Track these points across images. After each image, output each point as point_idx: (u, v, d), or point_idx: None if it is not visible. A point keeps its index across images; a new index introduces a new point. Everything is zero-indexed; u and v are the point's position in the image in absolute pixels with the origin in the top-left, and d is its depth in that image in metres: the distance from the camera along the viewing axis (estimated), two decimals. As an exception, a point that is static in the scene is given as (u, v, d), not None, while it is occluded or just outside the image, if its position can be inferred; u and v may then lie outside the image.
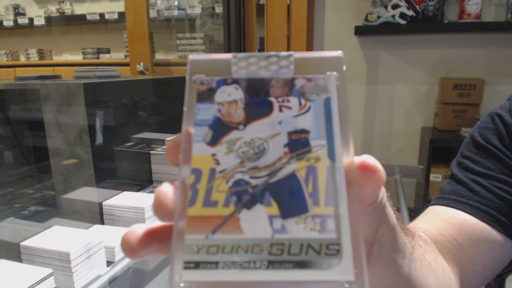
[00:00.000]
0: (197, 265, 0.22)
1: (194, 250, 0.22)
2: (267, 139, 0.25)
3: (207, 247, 0.22)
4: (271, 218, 0.23)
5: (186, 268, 0.22)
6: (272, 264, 0.21)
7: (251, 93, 0.27)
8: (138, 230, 0.25)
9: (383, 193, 0.30)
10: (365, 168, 0.25)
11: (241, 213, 0.23)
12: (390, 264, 0.38)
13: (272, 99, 0.26)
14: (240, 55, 0.27)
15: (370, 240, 0.32)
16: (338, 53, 0.27)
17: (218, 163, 0.24)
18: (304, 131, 0.25)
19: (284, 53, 0.27)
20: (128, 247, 0.24)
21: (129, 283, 0.89)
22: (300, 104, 0.26)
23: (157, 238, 0.24)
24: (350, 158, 0.25)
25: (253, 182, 0.24)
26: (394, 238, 0.37)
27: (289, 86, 0.27)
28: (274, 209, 0.23)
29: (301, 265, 0.21)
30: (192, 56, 0.28)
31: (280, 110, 0.26)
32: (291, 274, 0.21)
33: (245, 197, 0.23)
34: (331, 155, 0.24)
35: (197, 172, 0.24)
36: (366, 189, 0.26)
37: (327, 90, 0.26)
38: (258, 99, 0.26)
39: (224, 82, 0.27)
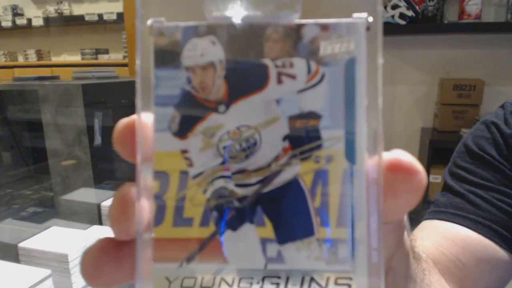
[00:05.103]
0: None
1: (166, 284, 0.17)
2: (259, 128, 0.18)
3: (182, 280, 0.17)
4: (264, 242, 0.18)
5: None
6: None
7: (235, 51, 0.18)
8: (98, 244, 0.19)
9: None
10: (397, 170, 0.18)
11: (224, 235, 0.18)
12: None
13: (267, 61, 0.18)
14: None
15: (385, 268, 0.27)
16: None
17: (191, 164, 0.18)
18: (313, 116, 0.18)
19: None
20: (88, 269, 0.19)
21: (127, 284, 0.89)
22: (309, 70, 0.18)
23: (112, 261, 0.19)
24: (377, 155, 0.17)
25: (240, 192, 0.18)
26: (408, 264, 0.31)
27: (294, 38, 0.18)
28: (268, 230, 0.18)
29: None
30: None
31: (279, 81, 0.18)
32: None
33: (229, 213, 0.18)
34: (350, 154, 0.17)
35: (162, 177, 0.18)
36: (397, 200, 0.18)
37: (351, 46, 0.18)
38: (246, 61, 0.18)
39: (195, 32, 0.18)
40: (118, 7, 3.32)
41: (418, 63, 2.43)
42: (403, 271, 0.30)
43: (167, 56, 0.18)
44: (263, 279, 0.17)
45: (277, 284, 0.17)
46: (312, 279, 0.17)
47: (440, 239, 0.56)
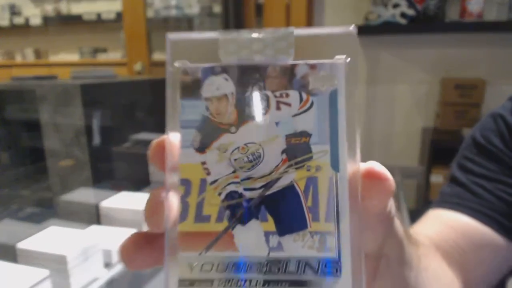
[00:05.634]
0: (191, 283, 0.21)
1: (189, 268, 0.22)
2: (263, 144, 0.23)
3: (201, 265, 0.22)
4: (267, 234, 0.22)
5: (181, 285, 0.22)
6: (268, 283, 0.21)
7: (243, 86, 0.23)
8: (132, 237, 0.24)
9: (391, 204, 0.28)
10: (371, 177, 0.23)
11: (235, 229, 0.22)
12: (397, 278, 0.37)
13: (268, 93, 0.23)
14: (229, 34, 0.23)
15: (377, 255, 0.31)
16: (349, 29, 0.23)
17: (208, 173, 0.23)
18: (304, 134, 0.23)
19: (281, 31, 0.23)
20: (125, 256, 0.24)
21: (127, 285, 0.89)
22: (301, 99, 0.23)
23: (143, 250, 0.24)
24: (355, 165, 0.22)
25: (248, 194, 0.22)
26: (402, 251, 0.35)
27: (289, 75, 0.23)
28: (270, 225, 0.22)
29: (298, 284, 0.21)
30: (172, 36, 0.24)
31: (278, 108, 0.23)
32: None
33: (239, 211, 0.22)
34: (334, 164, 0.22)
35: (186, 183, 0.23)
36: (372, 200, 0.24)
37: (334, 80, 0.23)
38: (252, 93, 0.23)
39: (212, 71, 0.23)
40: (117, 6, 3.30)
41: (419, 62, 2.42)
42: (396, 256, 0.34)
43: (190, 90, 0.23)
44: (266, 264, 0.21)
45: (278, 268, 0.21)
46: (306, 264, 0.21)
47: (441, 227, 0.60)
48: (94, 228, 0.94)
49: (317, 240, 0.21)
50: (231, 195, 0.22)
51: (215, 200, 0.22)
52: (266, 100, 0.23)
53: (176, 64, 0.24)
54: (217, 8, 2.95)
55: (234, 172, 0.23)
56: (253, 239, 0.22)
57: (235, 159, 0.23)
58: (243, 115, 0.23)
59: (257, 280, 0.21)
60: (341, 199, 0.22)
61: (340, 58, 0.23)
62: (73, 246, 0.78)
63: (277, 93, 0.23)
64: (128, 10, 2.65)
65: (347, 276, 0.21)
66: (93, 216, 1.02)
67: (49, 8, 3.77)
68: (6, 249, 0.81)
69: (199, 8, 3.05)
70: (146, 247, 0.24)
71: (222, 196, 0.22)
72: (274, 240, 0.22)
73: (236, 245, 0.22)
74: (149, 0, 2.98)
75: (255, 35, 0.23)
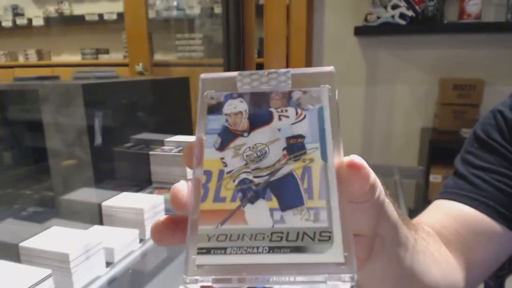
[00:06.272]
0: (208, 250, 0.26)
1: (206, 238, 0.26)
2: (268, 144, 0.29)
3: (217, 236, 0.26)
4: (271, 210, 0.27)
5: (199, 253, 0.25)
6: (272, 250, 0.25)
7: (254, 105, 0.31)
8: (163, 219, 0.29)
9: (380, 190, 0.32)
10: (352, 166, 0.28)
11: (245, 207, 0.27)
12: (392, 258, 0.41)
13: (272, 109, 0.31)
14: (244, 73, 0.32)
15: (371, 235, 0.34)
16: (330, 68, 0.32)
17: (226, 165, 0.29)
18: (300, 136, 0.29)
19: (282, 70, 0.32)
20: (154, 234, 0.29)
21: (128, 284, 0.89)
22: (296, 113, 0.30)
23: (170, 231, 0.29)
24: (340, 158, 0.28)
25: (256, 180, 0.28)
26: (396, 232, 0.39)
27: (287, 98, 0.31)
28: (274, 203, 0.27)
29: (298, 250, 0.25)
30: (203, 75, 0.33)
31: (279, 119, 0.30)
32: (289, 258, 0.25)
33: (249, 193, 0.27)
34: (324, 156, 0.28)
35: (208, 173, 0.29)
36: (354, 185, 0.29)
37: (320, 100, 0.31)
38: (260, 110, 0.31)
39: (231, 96, 0.32)
40: (119, 7, 3.30)
41: (418, 63, 2.43)
42: (391, 238, 0.39)
43: (215, 109, 0.31)
44: (271, 235, 0.26)
45: (281, 237, 0.25)
46: (304, 233, 0.25)
47: (443, 216, 0.65)
48: (96, 228, 0.94)
49: (312, 214, 0.26)
50: (243, 181, 0.28)
51: (230, 185, 0.28)
52: (271, 114, 0.31)
53: (205, 93, 0.32)
54: (218, 9, 2.95)
55: (246, 164, 0.28)
56: (260, 214, 0.26)
57: (247, 155, 0.29)
58: (253, 125, 0.30)
59: (263, 247, 0.25)
60: (330, 182, 0.27)
61: (324, 86, 0.31)
62: (76, 245, 0.78)
63: (279, 109, 0.31)
64: (130, 11, 2.66)
65: (338, 242, 0.25)
66: (95, 216, 1.02)
67: (52, 9, 3.78)
68: (9, 248, 0.81)
69: (200, 9, 3.05)
70: (173, 227, 0.29)
71: (236, 182, 0.28)
72: (277, 214, 0.26)
73: (246, 219, 0.26)
74: (151, 1, 2.99)
75: (263, 73, 0.32)
